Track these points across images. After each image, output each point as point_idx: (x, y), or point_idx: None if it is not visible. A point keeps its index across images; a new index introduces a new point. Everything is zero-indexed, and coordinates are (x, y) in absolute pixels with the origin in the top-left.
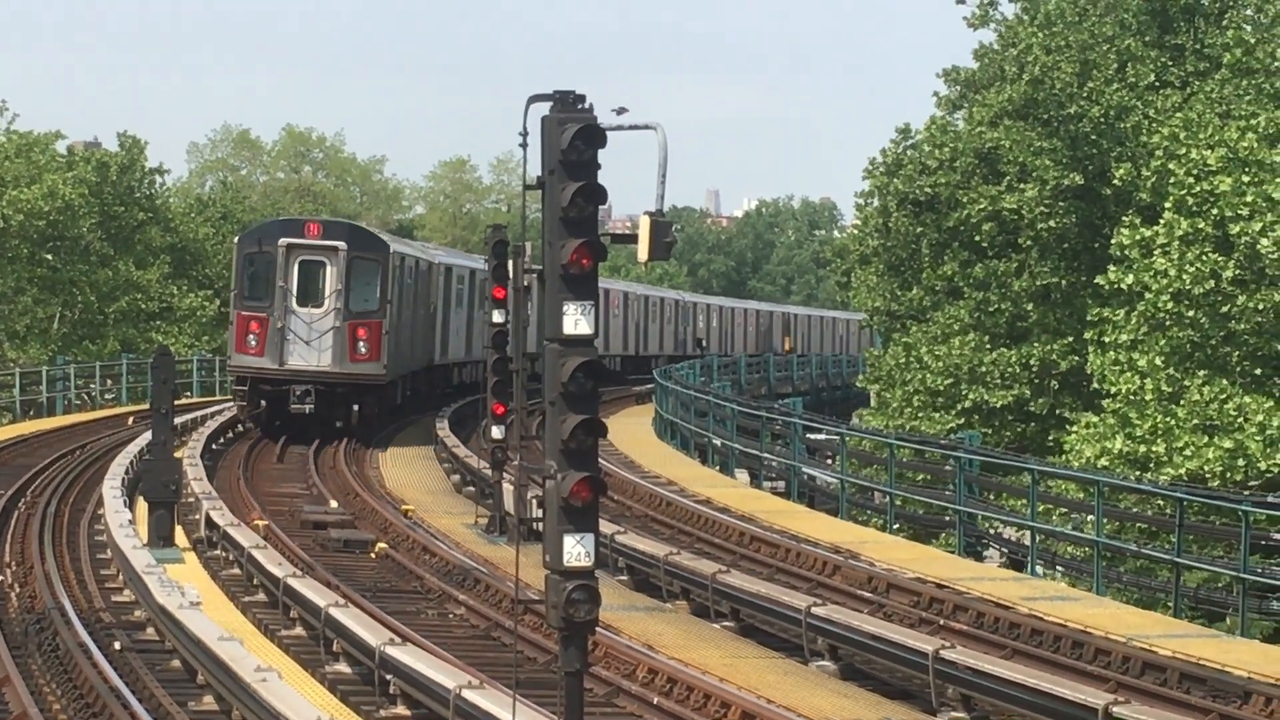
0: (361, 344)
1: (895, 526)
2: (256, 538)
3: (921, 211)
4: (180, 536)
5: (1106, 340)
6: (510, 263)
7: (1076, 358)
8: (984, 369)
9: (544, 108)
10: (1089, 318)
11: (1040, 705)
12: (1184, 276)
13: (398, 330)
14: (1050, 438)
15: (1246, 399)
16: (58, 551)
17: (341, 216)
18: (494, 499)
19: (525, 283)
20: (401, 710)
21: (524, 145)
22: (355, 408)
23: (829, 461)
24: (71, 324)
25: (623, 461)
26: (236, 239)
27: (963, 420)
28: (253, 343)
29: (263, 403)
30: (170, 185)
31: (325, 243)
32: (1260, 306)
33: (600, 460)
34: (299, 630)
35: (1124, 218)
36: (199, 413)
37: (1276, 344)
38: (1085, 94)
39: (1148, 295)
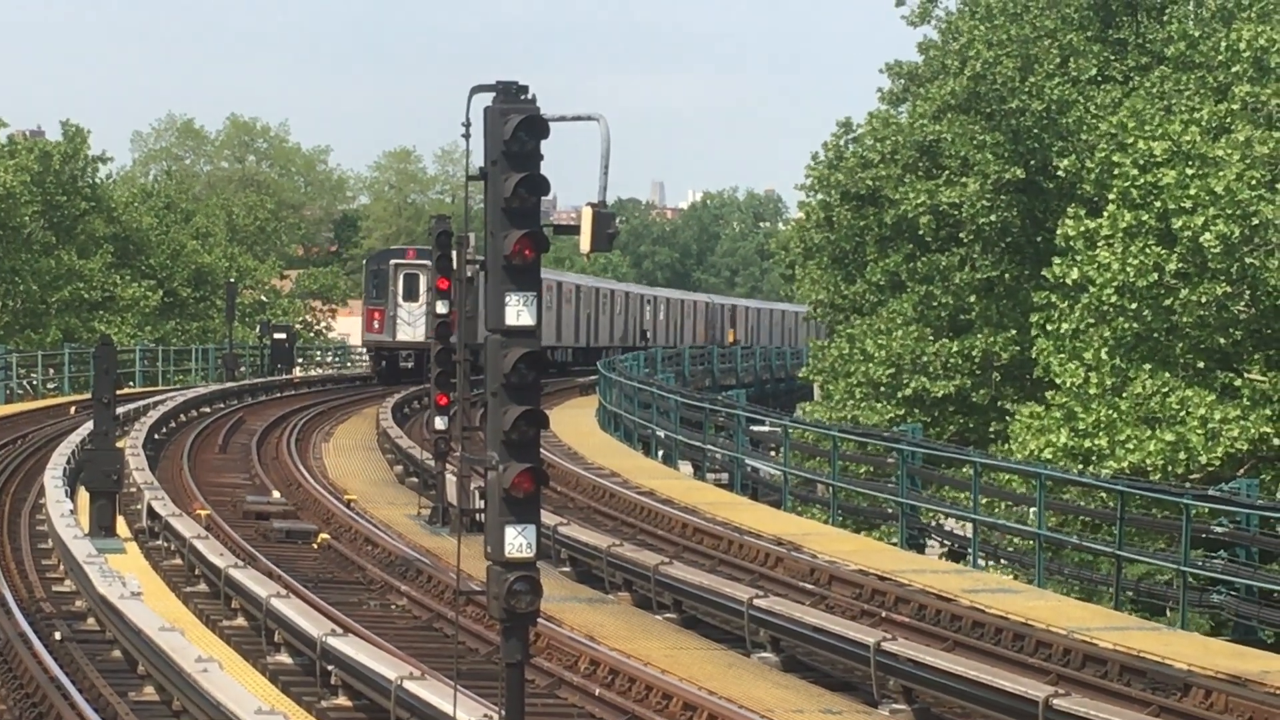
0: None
1: (838, 518)
2: (198, 528)
3: (863, 205)
4: (122, 526)
5: (1050, 328)
6: (454, 254)
7: (1018, 349)
8: (926, 359)
9: (487, 99)
10: (1035, 302)
11: (981, 697)
12: (1128, 269)
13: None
14: (992, 429)
15: (1189, 392)
16: None
17: (286, 206)
18: (436, 490)
19: (469, 274)
20: (343, 701)
21: (467, 136)
22: None
23: (772, 454)
24: (13, 313)
25: (566, 453)
26: (365, 260)
27: (903, 410)
28: (376, 325)
29: (383, 362)
30: (114, 174)
31: (419, 261)
32: (1203, 300)
33: (543, 451)
34: (240, 621)
35: (1069, 209)
36: (141, 402)
37: (1219, 337)
38: (1027, 88)
39: (1091, 288)
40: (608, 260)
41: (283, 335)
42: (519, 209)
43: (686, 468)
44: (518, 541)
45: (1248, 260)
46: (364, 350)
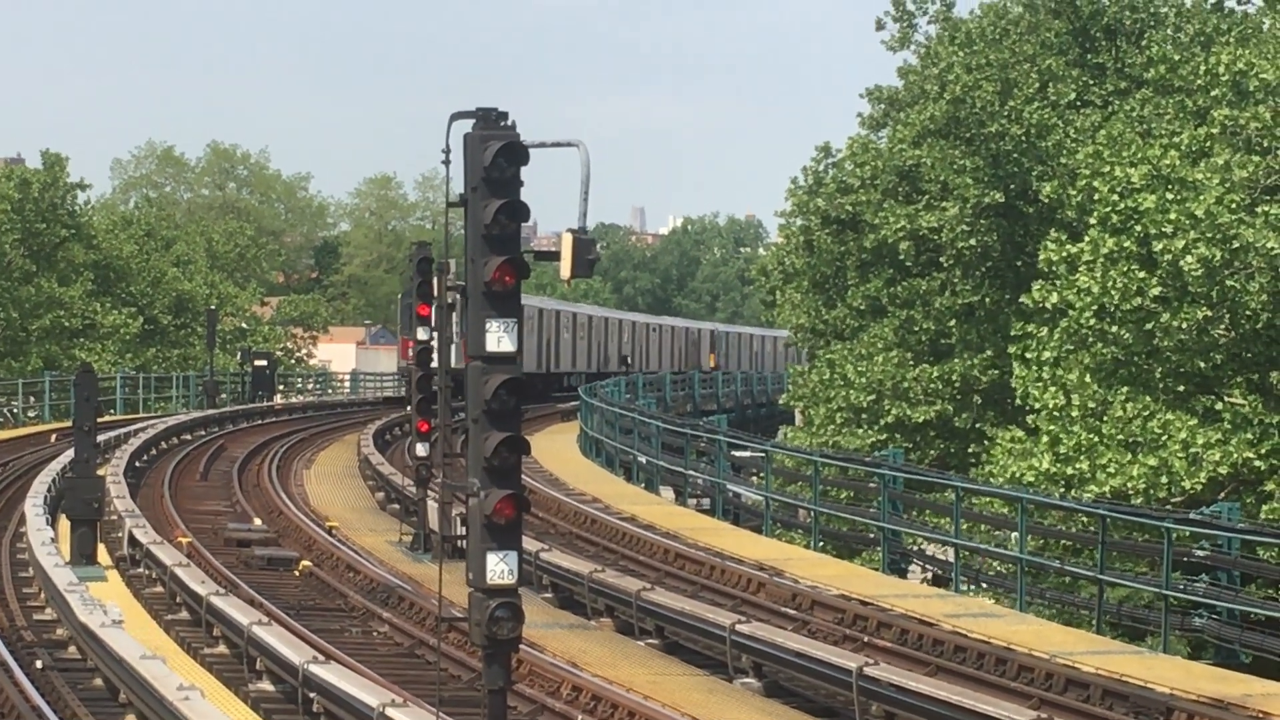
0: None
1: (820, 543)
2: (179, 555)
3: (843, 230)
4: (103, 554)
5: (1029, 356)
6: (434, 280)
7: (999, 373)
8: (906, 385)
9: (467, 125)
10: (1013, 333)
11: None
12: (1111, 294)
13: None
14: (971, 450)
15: (1170, 416)
16: None
17: (266, 233)
18: (418, 516)
19: (449, 300)
20: None
21: (447, 163)
22: None
23: (754, 479)
24: None
25: (547, 479)
26: (400, 295)
27: (885, 436)
28: (411, 354)
29: None
30: (94, 202)
31: None
32: (1183, 324)
33: (524, 477)
34: (222, 648)
35: (1050, 234)
36: (122, 430)
37: (1199, 361)
38: (1006, 113)
39: (1071, 312)
40: (589, 286)
41: (264, 362)
42: (499, 235)
43: (668, 493)
44: (499, 568)
45: (1228, 283)
46: (398, 375)
